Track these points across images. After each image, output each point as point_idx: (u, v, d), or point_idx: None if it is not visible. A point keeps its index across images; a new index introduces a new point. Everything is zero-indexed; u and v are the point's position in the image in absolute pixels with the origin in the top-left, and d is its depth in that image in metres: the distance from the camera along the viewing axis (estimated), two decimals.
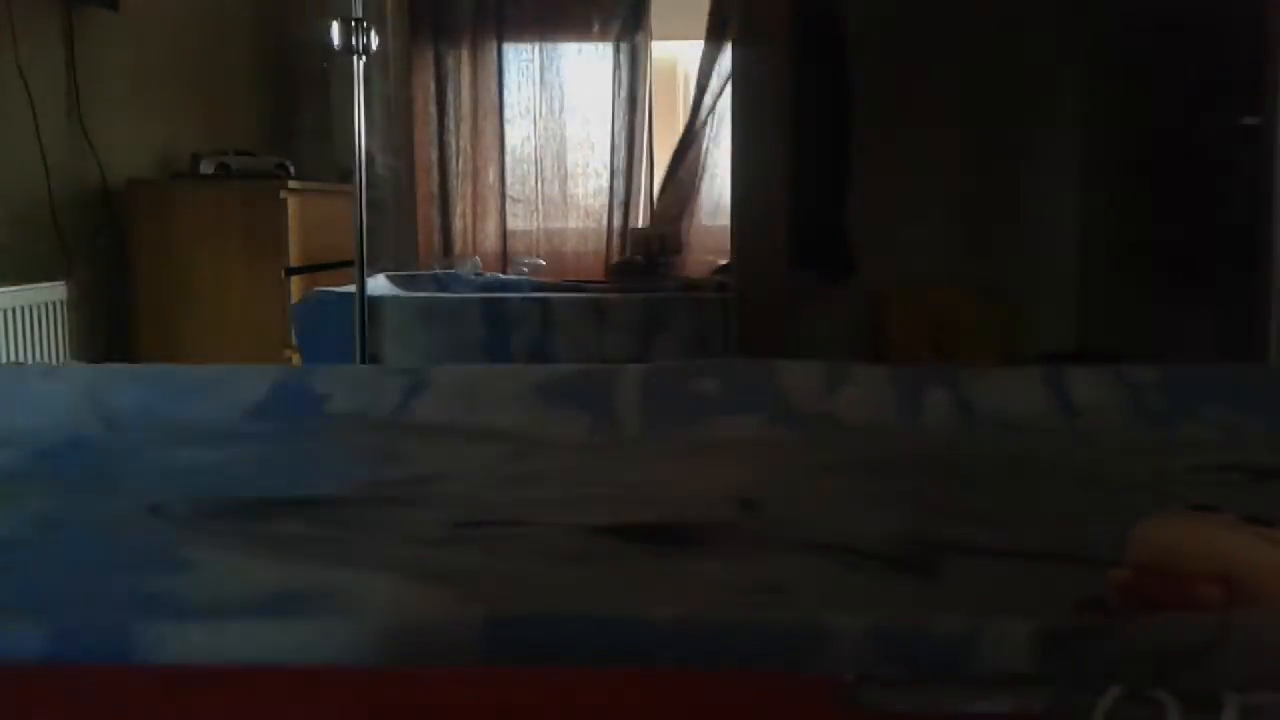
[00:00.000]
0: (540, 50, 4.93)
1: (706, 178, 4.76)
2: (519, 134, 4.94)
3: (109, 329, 3.52)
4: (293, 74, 4.46)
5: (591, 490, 1.17)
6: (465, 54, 4.88)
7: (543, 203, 4.94)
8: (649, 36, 4.86)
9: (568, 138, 4.94)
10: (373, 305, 2.97)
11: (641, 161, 4.89)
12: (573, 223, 4.91)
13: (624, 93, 4.88)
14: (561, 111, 4.94)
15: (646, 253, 4.54)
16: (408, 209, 4.76)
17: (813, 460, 1.31)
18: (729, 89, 4.09)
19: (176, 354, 3.40)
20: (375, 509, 1.09)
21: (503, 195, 4.91)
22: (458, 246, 4.85)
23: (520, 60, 4.93)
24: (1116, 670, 0.61)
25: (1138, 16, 3.55)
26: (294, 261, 3.57)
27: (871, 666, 0.54)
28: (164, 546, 0.96)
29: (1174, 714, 0.50)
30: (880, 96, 3.96)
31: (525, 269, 4.42)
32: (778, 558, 0.94)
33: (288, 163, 3.79)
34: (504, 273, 4.42)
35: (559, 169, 4.95)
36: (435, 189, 4.89)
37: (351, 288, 2.97)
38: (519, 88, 4.93)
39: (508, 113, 4.92)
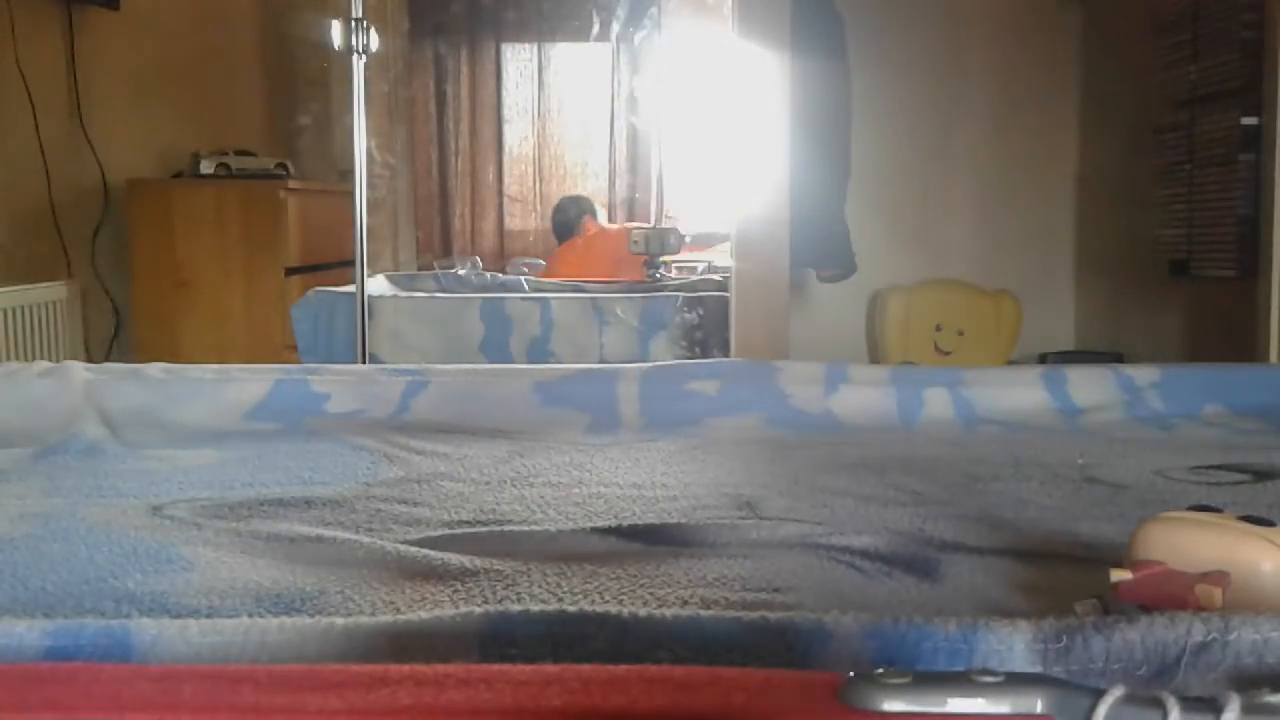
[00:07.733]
0: (539, 49, 4.93)
1: None
2: (518, 134, 4.94)
3: (109, 329, 3.52)
4: (293, 74, 4.46)
5: (591, 490, 1.16)
6: (464, 53, 4.88)
7: (541, 203, 4.94)
8: (649, 35, 4.86)
9: (566, 137, 4.94)
10: (372, 305, 2.97)
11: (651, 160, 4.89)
12: None
13: (624, 92, 4.87)
14: (560, 111, 4.93)
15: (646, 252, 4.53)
16: (407, 209, 4.76)
17: (813, 460, 1.31)
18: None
19: (176, 354, 3.40)
20: (375, 509, 1.09)
21: (501, 195, 4.91)
22: (457, 246, 4.85)
23: (519, 59, 4.93)
24: (1116, 670, 0.61)
25: (1138, 16, 3.55)
26: (294, 261, 3.58)
27: (871, 666, 0.54)
28: (164, 546, 0.96)
29: (1174, 714, 0.50)
30: (880, 95, 3.95)
31: (525, 269, 4.42)
32: (778, 558, 0.94)
33: (288, 163, 3.79)
34: (503, 272, 4.42)
35: (558, 169, 4.94)
36: (435, 189, 4.89)
37: (351, 287, 2.97)
38: (518, 87, 4.93)
39: (506, 112, 4.92)
